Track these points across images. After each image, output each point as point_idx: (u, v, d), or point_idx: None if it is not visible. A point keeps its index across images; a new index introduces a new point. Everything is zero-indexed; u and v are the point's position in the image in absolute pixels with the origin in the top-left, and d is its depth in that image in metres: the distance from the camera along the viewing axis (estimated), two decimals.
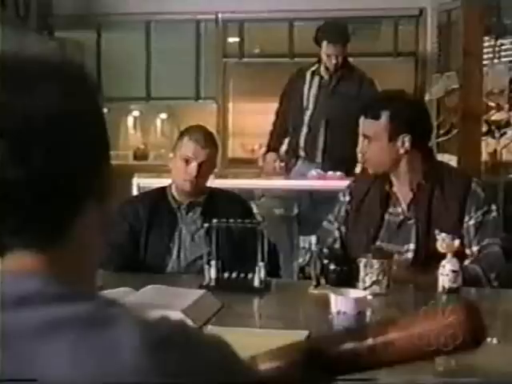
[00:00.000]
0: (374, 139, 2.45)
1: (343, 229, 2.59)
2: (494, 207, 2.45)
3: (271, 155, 4.60)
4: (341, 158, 4.45)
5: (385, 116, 2.42)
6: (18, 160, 0.68)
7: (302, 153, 4.53)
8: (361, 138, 2.50)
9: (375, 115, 2.43)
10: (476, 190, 2.43)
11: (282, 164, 4.57)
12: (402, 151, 2.43)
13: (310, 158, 4.52)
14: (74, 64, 0.78)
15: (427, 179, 2.45)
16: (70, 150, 0.71)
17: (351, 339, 0.96)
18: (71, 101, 0.73)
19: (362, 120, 2.49)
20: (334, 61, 4.42)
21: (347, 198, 2.61)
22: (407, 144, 2.41)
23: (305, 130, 4.51)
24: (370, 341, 0.94)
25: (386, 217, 2.50)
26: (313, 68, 4.53)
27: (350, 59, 4.62)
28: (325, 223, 2.65)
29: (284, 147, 4.76)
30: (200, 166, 2.62)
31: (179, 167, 2.64)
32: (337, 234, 2.59)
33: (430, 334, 0.92)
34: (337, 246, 2.56)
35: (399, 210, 2.49)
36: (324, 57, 4.46)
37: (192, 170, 2.61)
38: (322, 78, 4.51)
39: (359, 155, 2.65)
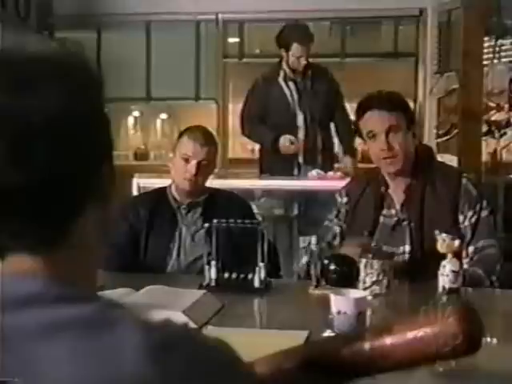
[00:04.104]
0: (400, 129, 2.42)
1: (344, 227, 2.60)
2: (485, 204, 2.43)
3: (285, 138, 4.41)
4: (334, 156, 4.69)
5: (400, 109, 2.45)
6: (19, 162, 0.67)
7: (300, 158, 4.53)
8: (382, 133, 2.41)
9: (395, 108, 2.44)
10: (467, 187, 2.43)
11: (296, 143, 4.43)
12: (414, 143, 2.47)
13: (310, 161, 4.52)
14: (78, 61, 0.76)
15: (418, 179, 2.46)
16: (71, 152, 0.70)
17: (349, 345, 0.96)
18: (73, 101, 0.72)
19: (378, 113, 2.43)
20: (303, 62, 4.47)
21: (344, 200, 2.61)
22: (416, 137, 2.49)
23: (302, 135, 4.51)
24: (367, 347, 0.94)
25: (381, 219, 2.50)
26: (281, 74, 4.54)
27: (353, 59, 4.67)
28: (326, 222, 2.65)
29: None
30: (199, 164, 2.62)
31: (179, 166, 2.65)
32: (337, 229, 2.60)
33: (428, 338, 0.91)
34: (336, 242, 2.56)
35: (393, 211, 2.49)
36: (292, 59, 4.48)
37: (191, 169, 2.61)
38: (295, 82, 4.53)
39: (379, 152, 2.43)
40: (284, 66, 4.55)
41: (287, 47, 4.49)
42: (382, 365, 0.94)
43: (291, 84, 4.53)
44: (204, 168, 2.64)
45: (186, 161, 2.63)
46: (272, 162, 4.57)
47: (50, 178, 0.69)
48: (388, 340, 0.93)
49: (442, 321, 0.91)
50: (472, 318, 0.91)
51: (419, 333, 0.92)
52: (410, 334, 0.92)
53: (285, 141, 4.40)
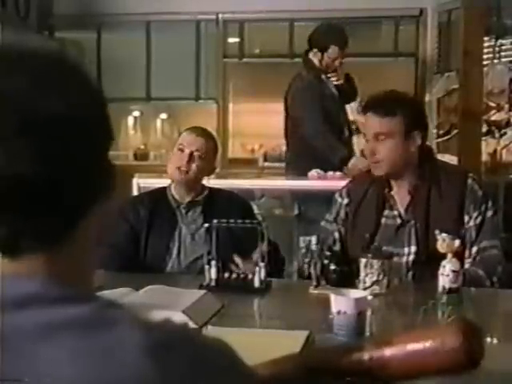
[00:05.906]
0: (389, 136, 2.41)
1: (343, 230, 2.58)
2: (490, 204, 2.43)
3: (357, 160, 4.20)
4: None
5: (400, 112, 2.40)
6: (16, 161, 0.67)
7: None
8: (371, 137, 2.43)
9: (391, 112, 2.40)
10: (473, 187, 2.42)
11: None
12: (413, 149, 2.43)
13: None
14: (76, 62, 0.77)
15: (423, 180, 2.44)
16: (70, 151, 0.70)
17: (349, 355, 0.96)
18: (76, 101, 0.72)
19: (371, 118, 2.43)
20: (337, 64, 4.44)
21: (345, 201, 2.59)
22: (419, 141, 2.44)
23: (345, 134, 4.49)
24: (366, 357, 0.94)
25: (383, 220, 2.48)
26: (323, 73, 4.45)
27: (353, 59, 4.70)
28: (323, 223, 2.64)
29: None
30: (192, 153, 2.64)
31: (174, 157, 2.68)
32: (337, 235, 2.58)
33: (427, 351, 0.91)
34: (336, 247, 2.54)
35: (395, 212, 2.47)
36: (327, 59, 4.42)
37: (184, 157, 2.64)
38: (333, 82, 4.52)
39: (368, 154, 2.47)
40: (318, 65, 4.43)
41: (324, 49, 4.39)
42: (381, 376, 0.94)
43: (331, 83, 4.49)
44: (198, 159, 2.65)
45: (182, 151, 2.67)
46: (309, 163, 4.40)
47: (50, 178, 0.68)
48: (388, 351, 0.93)
49: (442, 335, 0.91)
50: (473, 334, 0.91)
51: (419, 345, 0.91)
52: (410, 347, 0.92)
53: (357, 161, 4.16)
